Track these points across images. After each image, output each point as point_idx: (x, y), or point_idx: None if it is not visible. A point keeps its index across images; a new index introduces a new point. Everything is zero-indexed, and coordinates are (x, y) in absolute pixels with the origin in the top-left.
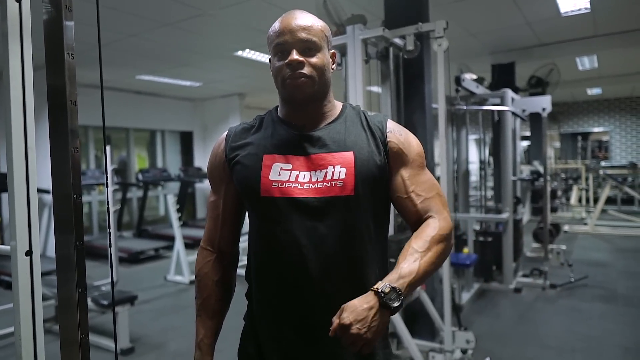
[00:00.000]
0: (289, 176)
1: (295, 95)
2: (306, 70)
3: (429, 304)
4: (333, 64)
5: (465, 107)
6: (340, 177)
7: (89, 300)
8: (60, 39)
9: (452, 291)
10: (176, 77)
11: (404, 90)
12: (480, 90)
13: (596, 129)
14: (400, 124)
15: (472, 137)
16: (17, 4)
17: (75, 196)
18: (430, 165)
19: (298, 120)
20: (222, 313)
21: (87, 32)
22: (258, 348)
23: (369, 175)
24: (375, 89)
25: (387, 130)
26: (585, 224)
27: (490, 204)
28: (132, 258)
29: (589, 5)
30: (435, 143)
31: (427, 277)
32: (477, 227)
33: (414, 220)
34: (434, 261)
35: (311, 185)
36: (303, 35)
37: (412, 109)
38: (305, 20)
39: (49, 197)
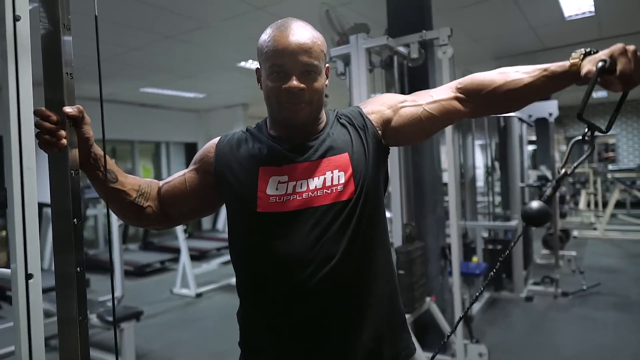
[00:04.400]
0: (287, 188)
1: (292, 122)
2: (306, 96)
3: (439, 315)
4: (327, 79)
5: None
6: (340, 182)
7: (93, 316)
8: (58, 56)
9: (462, 302)
10: (180, 89)
11: None
12: None
13: None
14: None
15: (478, 143)
16: (14, 23)
17: (75, 220)
18: (437, 171)
19: (290, 135)
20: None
21: (91, 47)
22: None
23: (367, 171)
24: None
25: (365, 113)
26: (595, 229)
27: (499, 210)
28: (138, 271)
29: (593, 9)
30: (441, 150)
31: None
32: (486, 235)
33: (452, 107)
34: None
35: (310, 194)
36: (305, 59)
37: None
38: (305, 36)
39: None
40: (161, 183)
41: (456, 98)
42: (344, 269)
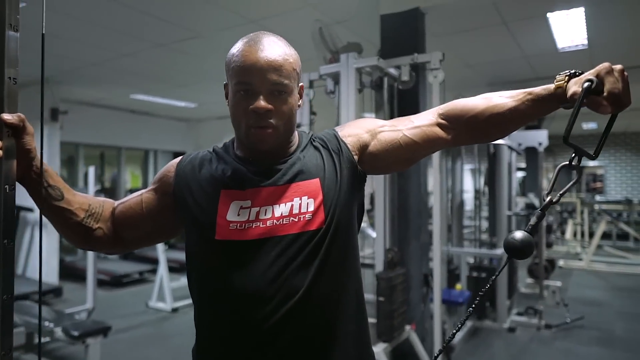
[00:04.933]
0: (249, 214)
1: (258, 147)
2: (274, 120)
3: (419, 345)
4: (300, 99)
5: None
6: (309, 209)
7: (59, 329)
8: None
9: (443, 331)
10: (171, 97)
11: None
12: None
13: (591, 163)
14: None
15: (468, 167)
16: None
17: (5, 241)
18: (423, 197)
19: (257, 158)
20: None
21: (84, 51)
22: None
23: (338, 199)
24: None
25: (340, 136)
26: (581, 260)
27: (485, 237)
28: (115, 281)
29: (586, 42)
30: (429, 172)
31: None
32: (472, 260)
33: (433, 134)
34: None
35: (275, 221)
36: (274, 77)
37: None
38: (275, 53)
39: (32, 215)
40: (116, 203)
41: (438, 124)
42: (308, 307)
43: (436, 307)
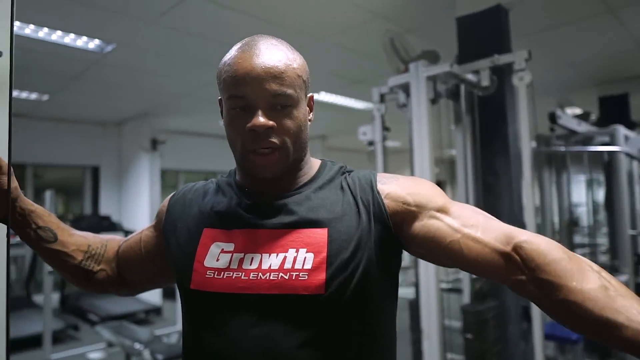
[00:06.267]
0: (230, 261)
1: (259, 175)
2: (276, 138)
3: None
4: (310, 113)
5: (563, 149)
6: (305, 267)
7: (147, 352)
8: None
9: None
10: None
11: (482, 132)
12: (583, 127)
13: None
14: (478, 171)
15: (581, 178)
16: None
17: None
18: (517, 215)
19: (258, 187)
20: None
21: (171, 84)
22: None
23: (352, 262)
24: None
25: (379, 184)
26: None
27: (605, 258)
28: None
29: None
30: (525, 186)
31: None
32: None
33: (498, 263)
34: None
35: (260, 275)
36: (273, 86)
37: (492, 153)
38: (274, 57)
39: None
40: (122, 241)
41: (506, 255)
42: None
43: (537, 345)
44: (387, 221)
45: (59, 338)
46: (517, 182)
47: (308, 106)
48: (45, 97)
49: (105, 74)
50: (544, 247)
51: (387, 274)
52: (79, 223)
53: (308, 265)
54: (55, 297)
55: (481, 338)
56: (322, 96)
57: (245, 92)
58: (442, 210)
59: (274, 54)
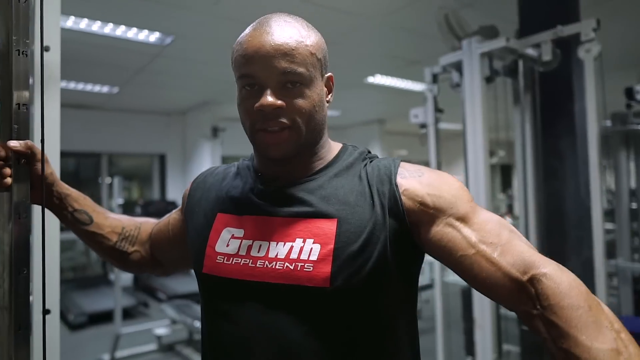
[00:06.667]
0: (239, 247)
1: (269, 154)
2: (286, 118)
3: None
4: (329, 94)
5: None
6: (311, 259)
7: None
8: (8, 85)
9: None
10: None
11: (544, 112)
12: None
13: None
14: (538, 154)
15: None
16: (41, 53)
17: (15, 271)
18: (585, 201)
19: (272, 171)
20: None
21: (228, 72)
22: None
23: (362, 256)
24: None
25: (399, 176)
26: None
27: None
28: None
29: None
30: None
31: None
32: None
33: (509, 291)
34: None
35: (267, 263)
36: (283, 65)
37: (555, 133)
38: (285, 34)
39: None
40: (155, 224)
41: (521, 284)
42: None
43: None
44: (403, 217)
45: (130, 314)
46: (585, 164)
47: (326, 87)
48: (116, 90)
49: (167, 66)
50: (564, 287)
51: (403, 271)
52: (147, 208)
53: (314, 257)
54: (130, 276)
55: None
56: (378, 79)
57: (254, 70)
58: (463, 219)
59: (285, 31)
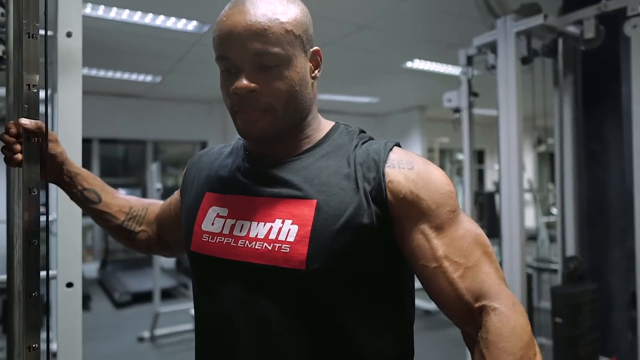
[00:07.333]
0: (223, 226)
1: (246, 136)
2: (262, 101)
3: None
4: (316, 70)
5: None
6: (288, 240)
7: None
8: (19, 66)
9: None
10: (353, 94)
11: (586, 93)
12: None
13: None
14: (579, 138)
15: None
16: (66, 38)
17: (26, 242)
18: (630, 189)
19: (259, 151)
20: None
21: None
22: None
23: (343, 238)
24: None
25: (387, 165)
26: None
27: None
28: None
29: None
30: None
31: None
32: None
33: (456, 311)
34: None
35: (247, 243)
36: (256, 45)
37: (598, 116)
38: (259, 12)
39: None
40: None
41: (469, 309)
42: (290, 353)
43: None
44: (386, 208)
45: (171, 294)
46: (630, 150)
47: (313, 61)
48: (158, 79)
49: (206, 54)
50: (507, 329)
51: (391, 258)
52: None
53: (291, 238)
54: (172, 259)
55: (573, 324)
56: (416, 64)
57: (229, 53)
58: (437, 228)
59: (258, 9)
